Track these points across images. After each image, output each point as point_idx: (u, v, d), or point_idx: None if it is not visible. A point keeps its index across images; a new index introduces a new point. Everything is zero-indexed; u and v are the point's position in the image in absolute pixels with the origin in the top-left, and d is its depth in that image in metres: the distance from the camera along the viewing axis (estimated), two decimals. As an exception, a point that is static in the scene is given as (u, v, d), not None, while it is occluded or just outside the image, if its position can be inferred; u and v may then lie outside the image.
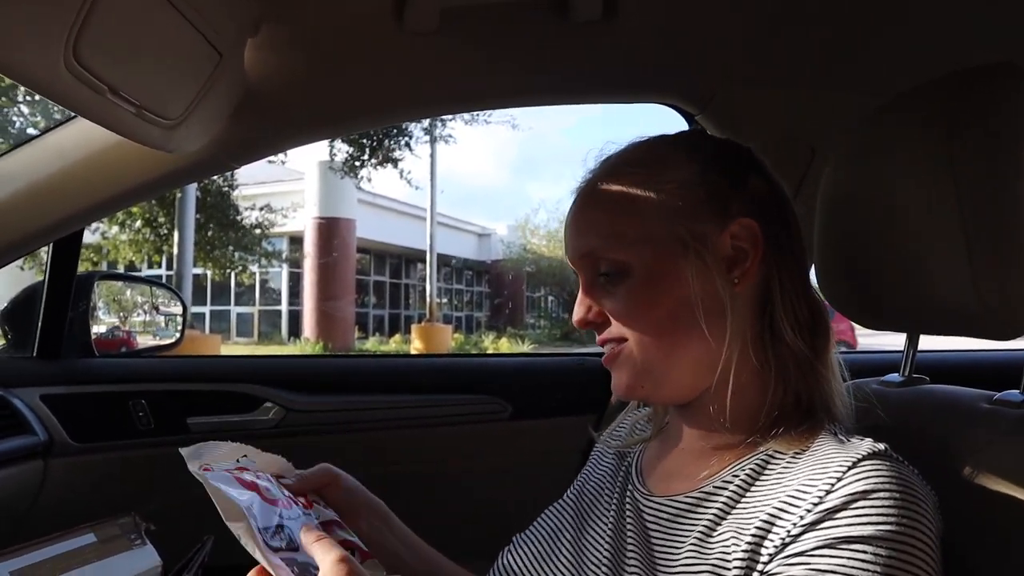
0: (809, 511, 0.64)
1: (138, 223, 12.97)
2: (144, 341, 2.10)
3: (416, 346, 16.14)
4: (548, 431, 1.69)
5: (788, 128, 1.32)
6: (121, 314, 2.08)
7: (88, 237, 12.93)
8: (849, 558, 0.60)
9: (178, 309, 2.04)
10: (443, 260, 21.55)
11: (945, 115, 0.77)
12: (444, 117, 15.49)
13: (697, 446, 0.82)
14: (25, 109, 10.96)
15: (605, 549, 0.80)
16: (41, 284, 1.59)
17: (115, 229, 13.12)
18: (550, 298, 25.43)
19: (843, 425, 0.78)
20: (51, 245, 1.52)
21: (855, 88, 1.24)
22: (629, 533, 0.79)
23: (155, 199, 12.65)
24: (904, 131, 0.83)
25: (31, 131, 10.46)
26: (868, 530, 0.61)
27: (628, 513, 0.82)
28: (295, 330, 18.70)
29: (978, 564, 0.73)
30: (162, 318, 2.17)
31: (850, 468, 0.66)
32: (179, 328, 1.97)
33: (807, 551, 0.62)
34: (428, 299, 17.28)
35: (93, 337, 1.69)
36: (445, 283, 24.26)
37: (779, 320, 0.78)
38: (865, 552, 0.60)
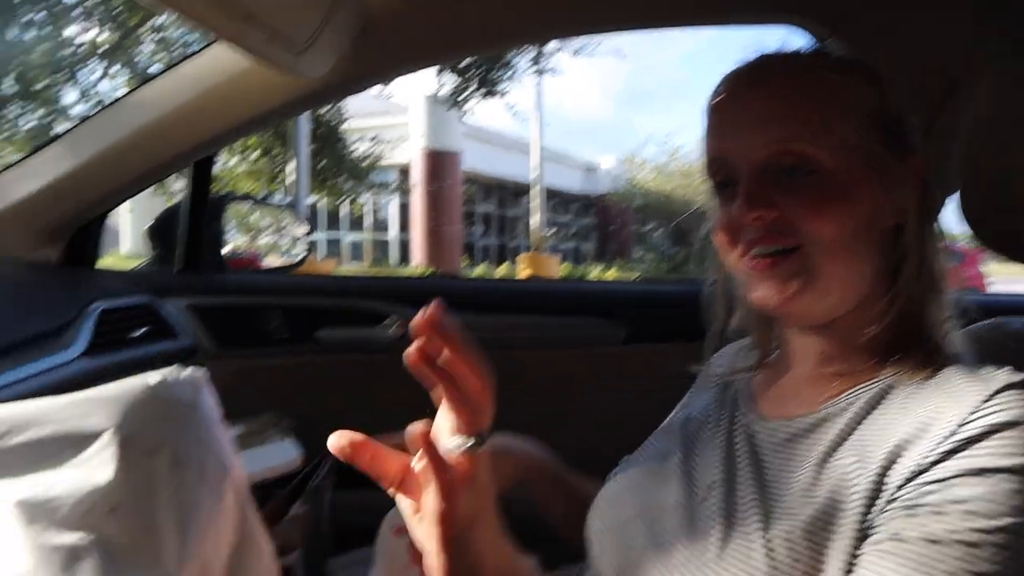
0: (945, 439, 0.61)
1: (255, 154, 13.37)
2: (271, 261, 2.22)
3: (524, 275, 16.21)
4: (659, 356, 1.70)
5: (927, 56, 1.25)
6: (249, 235, 2.20)
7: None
8: (989, 488, 0.58)
9: (303, 230, 2.14)
10: (549, 192, 21.47)
11: None
12: (549, 48, 15.22)
13: (816, 372, 0.79)
14: (148, 48, 11.41)
15: (715, 473, 0.77)
16: (180, 205, 1.70)
17: (233, 160, 13.58)
18: (658, 232, 25.00)
19: (964, 361, 0.75)
20: (192, 167, 1.62)
21: (1004, 9, 1.15)
22: (740, 457, 0.77)
23: (271, 130, 13.07)
24: None
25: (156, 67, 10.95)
26: (1008, 461, 0.59)
27: (738, 438, 0.80)
28: (405, 257, 19.16)
29: None
30: (287, 240, 2.28)
31: (987, 399, 0.63)
32: (304, 248, 2.08)
33: (946, 478, 0.60)
34: (534, 230, 17.28)
35: (224, 255, 1.82)
36: (552, 215, 24.20)
37: (926, 252, 0.75)
38: (1004, 483, 0.58)
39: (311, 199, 14.74)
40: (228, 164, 13.57)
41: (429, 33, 1.30)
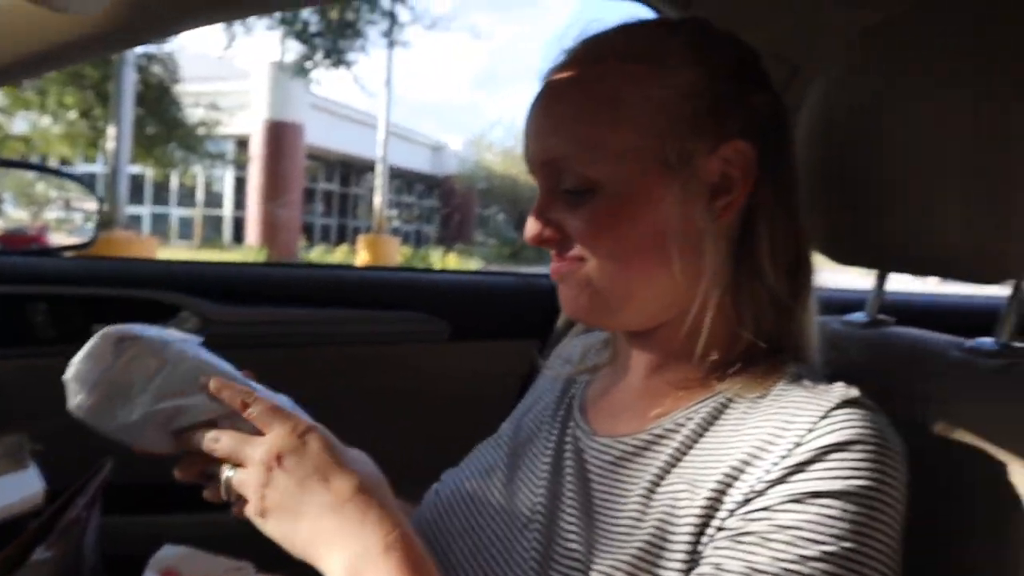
0: (776, 464, 0.59)
1: (72, 114, 12.27)
2: (58, 240, 1.93)
3: (362, 258, 15.92)
4: (488, 354, 1.61)
5: (771, 41, 1.21)
6: (32, 208, 1.90)
7: (16, 126, 12.27)
8: (816, 513, 0.56)
9: (93, 206, 1.87)
10: (394, 171, 21.16)
11: (979, 25, 0.68)
12: (403, 21, 14.99)
13: (649, 381, 0.75)
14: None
15: (540, 495, 0.72)
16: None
17: (47, 120, 12.42)
18: (501, 216, 25.31)
19: (811, 368, 0.71)
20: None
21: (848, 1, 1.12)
22: (568, 477, 0.72)
23: (92, 89, 12.04)
24: (918, 46, 0.73)
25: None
26: (838, 485, 0.57)
27: (568, 455, 0.74)
28: (239, 236, 18.32)
29: (942, 519, 0.68)
30: (78, 215, 1.99)
31: (822, 417, 0.60)
32: (94, 226, 1.81)
33: (772, 506, 0.58)
34: (376, 210, 16.98)
35: (-4, 232, 1.55)
36: (395, 195, 23.90)
37: (761, 257, 0.69)
38: (832, 507, 0.56)
39: (135, 168, 13.73)
40: (40, 124, 12.39)
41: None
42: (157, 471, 1.47)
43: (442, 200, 25.87)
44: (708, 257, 0.68)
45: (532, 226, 0.73)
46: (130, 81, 11.10)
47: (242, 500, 0.65)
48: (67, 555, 0.91)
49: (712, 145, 0.68)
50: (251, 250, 16.34)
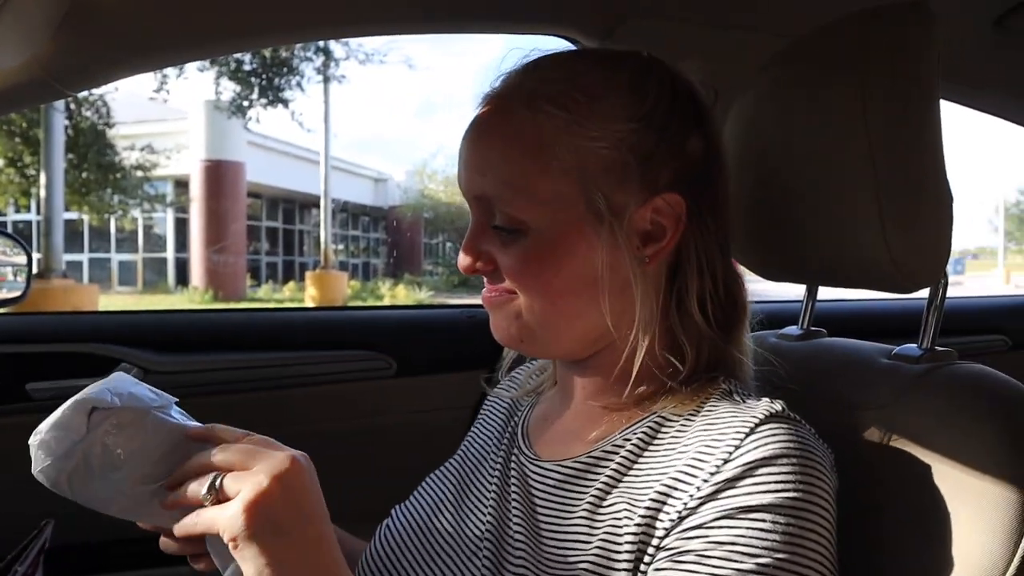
0: (706, 481, 0.60)
1: (-1, 162, 11.96)
2: (-12, 294, 1.86)
3: (310, 294, 15.73)
4: (435, 388, 1.60)
5: (689, 68, 1.25)
6: (-41, 263, 1.83)
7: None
8: (748, 527, 0.57)
9: (22, 259, 1.81)
10: (338, 206, 20.98)
11: (856, 55, 0.71)
12: (336, 55, 14.98)
13: (587, 406, 0.76)
14: None
15: (487, 521, 0.73)
16: None
17: (-27, 169, 12.09)
18: (448, 244, 25.27)
19: (742, 382, 0.73)
20: None
21: (761, 27, 1.17)
22: (514, 502, 0.73)
23: (20, 136, 11.74)
24: (813, 73, 0.77)
25: None
26: (767, 498, 0.58)
27: (513, 480, 0.75)
28: (183, 278, 17.93)
29: (873, 524, 0.71)
30: (8, 269, 1.92)
31: (748, 434, 0.62)
32: (25, 281, 1.75)
33: (705, 523, 0.59)
34: (323, 246, 16.82)
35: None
36: (341, 229, 23.71)
37: (691, 299, 0.70)
38: (764, 520, 0.57)
39: (71, 215, 13.37)
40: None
41: (155, 26, 1.10)
42: (100, 530, 1.43)
43: (388, 232, 25.74)
44: (638, 302, 0.69)
45: (464, 257, 0.74)
46: (60, 127, 10.85)
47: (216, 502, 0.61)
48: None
49: (642, 197, 0.68)
50: (196, 292, 16.00)
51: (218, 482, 0.61)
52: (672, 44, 1.21)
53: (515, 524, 0.70)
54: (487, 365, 1.61)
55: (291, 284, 18.96)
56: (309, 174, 19.21)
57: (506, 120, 0.70)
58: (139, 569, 1.41)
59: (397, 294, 17.23)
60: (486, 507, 0.75)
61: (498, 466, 0.79)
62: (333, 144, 17.08)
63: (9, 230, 1.73)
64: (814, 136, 0.75)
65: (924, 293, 0.80)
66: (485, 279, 0.75)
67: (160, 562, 1.53)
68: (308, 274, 17.31)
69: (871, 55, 0.70)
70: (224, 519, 0.58)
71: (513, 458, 0.78)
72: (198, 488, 0.62)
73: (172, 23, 1.08)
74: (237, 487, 0.59)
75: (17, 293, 1.75)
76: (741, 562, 0.56)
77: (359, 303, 14.32)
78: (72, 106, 12.41)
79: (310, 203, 21.37)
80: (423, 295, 17.14)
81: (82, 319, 1.70)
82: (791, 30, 0.88)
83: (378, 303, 14.58)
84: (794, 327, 1.00)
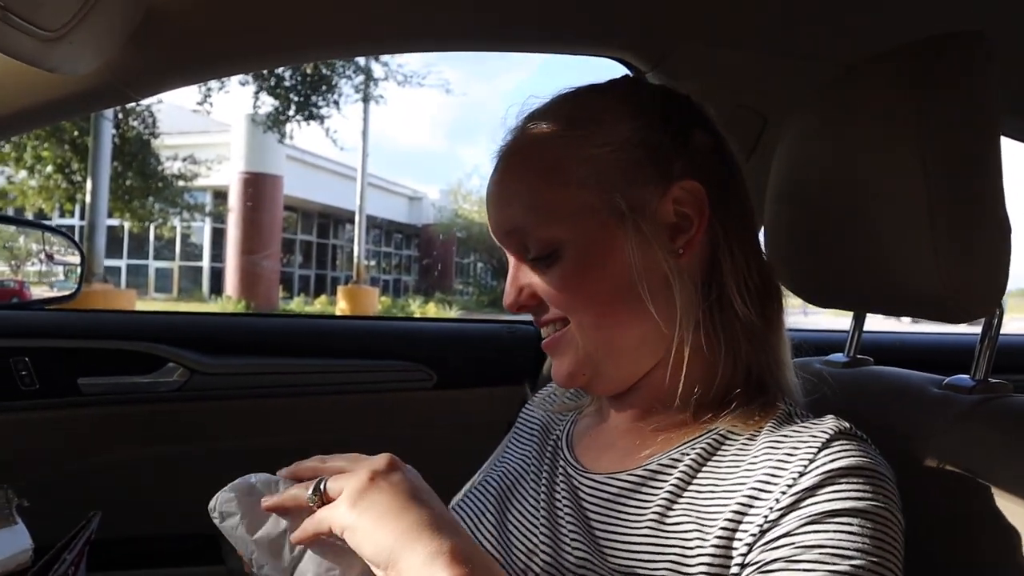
0: (784, 493, 0.60)
1: (48, 168, 12.24)
2: (39, 293, 1.91)
3: (341, 307, 15.83)
4: (475, 401, 1.61)
5: (741, 94, 1.25)
6: (13, 262, 1.89)
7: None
8: (836, 530, 0.57)
9: (75, 259, 1.86)
10: (372, 222, 21.18)
11: (915, 83, 0.71)
12: (376, 75, 15.18)
13: (634, 425, 0.76)
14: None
15: (542, 533, 0.72)
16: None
17: (23, 174, 12.38)
18: (479, 264, 25.35)
19: (796, 402, 0.74)
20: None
21: (815, 54, 1.17)
22: (565, 513, 0.72)
23: (69, 143, 12.04)
24: (869, 100, 0.77)
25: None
26: (851, 503, 0.58)
27: (563, 493, 0.75)
28: (217, 287, 18.18)
29: (926, 554, 0.69)
30: (60, 268, 1.98)
31: (821, 448, 0.62)
32: (77, 279, 1.80)
33: (791, 531, 0.58)
34: (355, 260, 16.96)
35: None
36: (374, 245, 23.90)
37: (729, 289, 0.72)
38: (852, 524, 0.57)
39: (113, 221, 13.64)
40: (17, 177, 12.36)
41: (221, 36, 1.14)
42: (143, 525, 1.46)
43: (420, 249, 25.91)
44: (676, 295, 0.70)
45: (509, 294, 0.77)
46: (108, 135, 11.11)
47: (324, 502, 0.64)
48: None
49: (660, 190, 0.71)
50: (230, 301, 16.20)
51: (322, 486, 0.63)
52: (724, 71, 1.22)
53: (571, 537, 0.70)
54: (527, 379, 1.63)
55: (323, 297, 19.13)
56: (345, 189, 19.42)
57: (520, 157, 0.75)
58: (180, 567, 1.43)
59: (428, 311, 17.30)
60: (537, 520, 0.74)
61: (543, 481, 0.78)
62: (370, 161, 17.28)
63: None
64: (868, 163, 0.75)
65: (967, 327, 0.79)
66: (535, 319, 0.78)
67: (199, 560, 1.56)
68: (340, 288, 17.44)
69: (929, 84, 0.70)
70: (334, 515, 0.61)
71: (560, 471, 0.78)
72: (302, 492, 0.65)
73: (242, 33, 1.11)
74: (340, 486, 0.62)
75: (69, 291, 1.80)
76: (834, 564, 0.56)
77: (389, 319, 14.36)
78: (120, 115, 12.72)
79: (345, 218, 21.59)
80: (453, 313, 17.18)
81: (133, 318, 1.73)
82: (846, 58, 0.88)
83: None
84: (839, 354, 1.00)
